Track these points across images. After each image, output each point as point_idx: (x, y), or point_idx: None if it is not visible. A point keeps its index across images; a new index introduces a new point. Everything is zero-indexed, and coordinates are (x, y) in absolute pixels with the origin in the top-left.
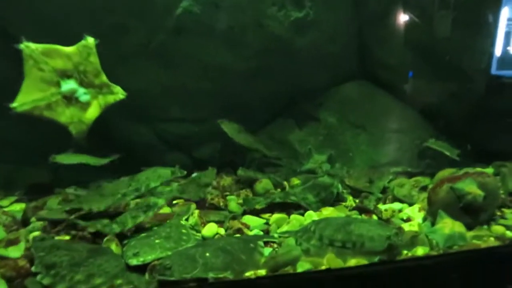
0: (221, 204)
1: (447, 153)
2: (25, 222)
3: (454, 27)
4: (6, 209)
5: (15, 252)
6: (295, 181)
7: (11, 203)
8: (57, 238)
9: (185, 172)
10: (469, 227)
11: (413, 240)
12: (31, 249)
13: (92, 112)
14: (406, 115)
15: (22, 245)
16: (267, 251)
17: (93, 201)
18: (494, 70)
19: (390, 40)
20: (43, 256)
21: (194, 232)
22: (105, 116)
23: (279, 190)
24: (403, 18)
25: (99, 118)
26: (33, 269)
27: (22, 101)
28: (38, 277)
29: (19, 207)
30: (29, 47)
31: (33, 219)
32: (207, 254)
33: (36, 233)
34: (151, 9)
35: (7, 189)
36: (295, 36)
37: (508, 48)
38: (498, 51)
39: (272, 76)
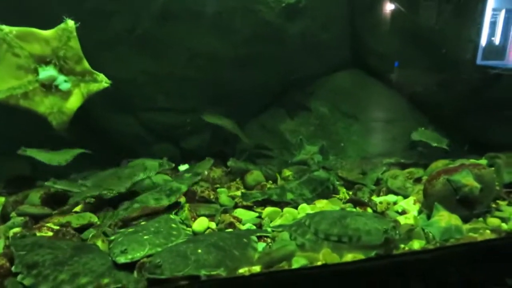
0: (212, 197)
1: (435, 144)
2: (4, 217)
3: (445, 17)
4: None
5: None
6: (287, 172)
7: None
8: (39, 234)
9: (173, 165)
10: (465, 220)
11: (410, 233)
12: (11, 247)
13: (74, 102)
14: (398, 104)
15: (1, 243)
16: (260, 246)
17: (112, 184)
18: (483, 61)
19: (382, 29)
20: (24, 255)
21: (184, 227)
22: (88, 106)
23: (270, 182)
24: (395, 6)
25: (82, 107)
26: (13, 269)
27: None
28: (19, 277)
29: None
30: (2, 30)
31: (13, 214)
32: (199, 251)
33: (17, 229)
34: None
35: None
36: (287, 23)
37: (493, 38)
38: (493, 40)
39: (262, 64)
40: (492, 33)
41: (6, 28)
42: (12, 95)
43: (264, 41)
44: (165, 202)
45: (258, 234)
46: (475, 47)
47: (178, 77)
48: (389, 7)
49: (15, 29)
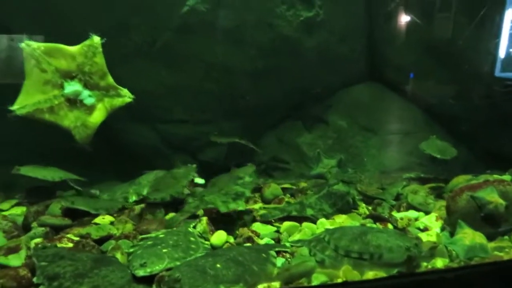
0: None
1: (438, 155)
2: (26, 227)
3: (464, 29)
4: (6, 213)
5: (15, 260)
6: (303, 184)
7: (12, 207)
8: (59, 245)
9: None
10: (490, 238)
11: (432, 251)
12: (33, 258)
13: (97, 116)
14: (416, 117)
15: (23, 253)
16: (279, 261)
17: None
18: (502, 73)
19: (400, 41)
20: (45, 266)
21: (203, 240)
22: (108, 117)
23: (288, 195)
24: (412, 18)
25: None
26: (34, 280)
27: (23, 104)
28: None
29: (19, 210)
30: (30, 45)
31: (34, 224)
32: (218, 265)
33: (38, 240)
34: (155, 7)
35: (7, 191)
36: (304, 36)
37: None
38: None
39: (279, 77)
40: (510, 45)
41: (34, 44)
42: (38, 109)
43: (282, 54)
44: (233, 206)
45: (277, 249)
46: (493, 59)
47: (196, 89)
48: (406, 19)
49: (43, 45)
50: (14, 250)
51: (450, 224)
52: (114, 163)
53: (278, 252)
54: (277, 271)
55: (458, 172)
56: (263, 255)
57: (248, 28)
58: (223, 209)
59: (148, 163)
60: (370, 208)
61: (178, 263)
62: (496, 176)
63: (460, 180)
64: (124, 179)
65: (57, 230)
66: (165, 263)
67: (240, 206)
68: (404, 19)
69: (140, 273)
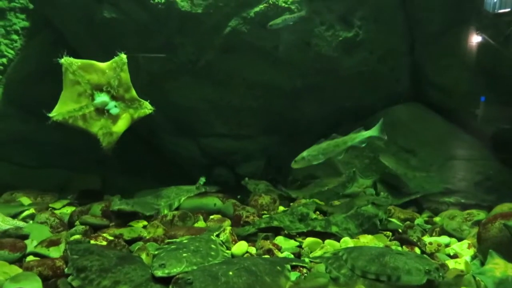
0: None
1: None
2: (70, 225)
3: None
4: (57, 211)
5: (55, 252)
6: (336, 204)
7: (63, 206)
8: (94, 242)
9: (207, 188)
10: None
11: (458, 279)
12: (67, 251)
13: (121, 125)
14: (462, 141)
15: (62, 246)
16: (294, 275)
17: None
18: None
19: (447, 61)
20: (76, 259)
21: (224, 249)
22: (154, 128)
23: (318, 212)
24: (462, 38)
25: (147, 129)
26: (65, 270)
27: (59, 111)
28: (69, 278)
29: (69, 210)
30: (67, 61)
31: (77, 222)
32: (230, 273)
33: (77, 236)
34: (199, 28)
35: (62, 192)
36: (343, 56)
37: None
38: None
39: (318, 96)
40: None
41: (71, 60)
42: (72, 116)
43: (321, 73)
44: (299, 226)
45: (294, 264)
46: None
47: (236, 106)
48: (455, 38)
49: (79, 61)
50: (55, 243)
51: (481, 253)
52: (160, 172)
53: (295, 267)
54: (289, 285)
55: (508, 201)
56: (278, 267)
57: (288, 48)
58: (290, 226)
59: (189, 174)
60: (400, 230)
61: (195, 267)
62: None
63: (504, 208)
64: (165, 186)
65: (95, 229)
66: (183, 267)
67: (304, 228)
68: (452, 37)
69: (159, 273)
